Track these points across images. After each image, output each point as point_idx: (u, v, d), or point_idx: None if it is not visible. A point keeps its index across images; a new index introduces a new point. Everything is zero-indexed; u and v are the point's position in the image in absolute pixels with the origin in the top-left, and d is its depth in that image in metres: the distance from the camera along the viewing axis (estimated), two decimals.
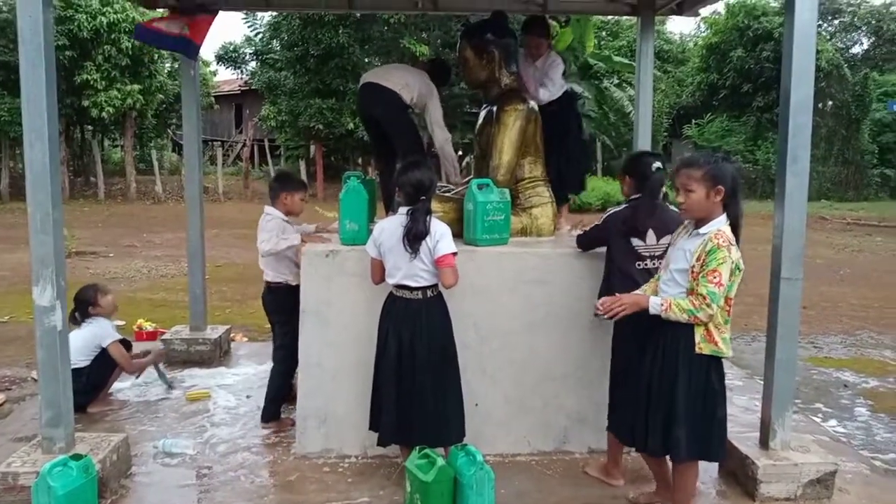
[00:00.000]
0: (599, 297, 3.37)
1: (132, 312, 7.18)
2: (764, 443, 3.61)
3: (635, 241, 3.46)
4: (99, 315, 4.69)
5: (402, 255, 3.33)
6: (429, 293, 3.40)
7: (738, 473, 3.58)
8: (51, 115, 3.22)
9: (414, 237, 3.29)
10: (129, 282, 9.70)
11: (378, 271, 3.51)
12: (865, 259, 12.98)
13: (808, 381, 5.75)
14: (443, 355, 3.43)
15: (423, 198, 3.35)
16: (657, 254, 3.43)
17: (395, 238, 3.35)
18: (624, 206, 3.57)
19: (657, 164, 3.45)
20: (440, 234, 3.33)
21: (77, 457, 3.13)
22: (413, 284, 3.37)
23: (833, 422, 4.89)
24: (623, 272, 3.48)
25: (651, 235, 3.45)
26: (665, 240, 3.37)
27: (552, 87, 4.67)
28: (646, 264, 3.46)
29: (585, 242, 3.82)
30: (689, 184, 2.94)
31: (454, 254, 3.35)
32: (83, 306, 4.64)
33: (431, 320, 3.40)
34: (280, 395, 4.37)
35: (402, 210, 3.39)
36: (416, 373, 3.36)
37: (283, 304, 4.26)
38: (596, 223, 3.69)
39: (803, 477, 3.46)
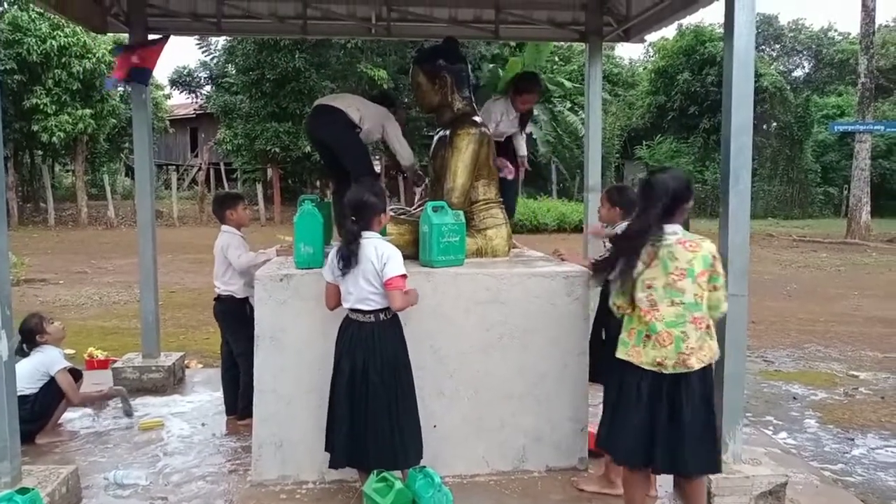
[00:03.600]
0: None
1: (83, 340, 7.00)
2: None
3: None
4: (47, 343, 4.58)
5: (354, 278, 3.33)
6: (381, 316, 3.39)
7: None
8: None
9: (341, 258, 3.31)
10: (79, 309, 9.46)
11: (332, 296, 3.49)
12: (811, 275, 13.37)
13: (759, 394, 5.89)
14: (396, 378, 3.41)
15: (354, 218, 3.37)
16: None
17: None
18: None
19: None
20: (388, 257, 3.32)
21: (24, 491, 3.04)
22: (365, 308, 3.36)
23: (783, 434, 5.00)
24: None
25: None
26: None
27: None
28: None
29: None
30: None
31: (403, 276, 3.34)
32: (30, 336, 4.53)
33: (384, 343, 3.39)
34: None
35: None
36: (370, 396, 3.34)
37: (233, 315, 4.51)
38: None
39: (755, 489, 3.53)
